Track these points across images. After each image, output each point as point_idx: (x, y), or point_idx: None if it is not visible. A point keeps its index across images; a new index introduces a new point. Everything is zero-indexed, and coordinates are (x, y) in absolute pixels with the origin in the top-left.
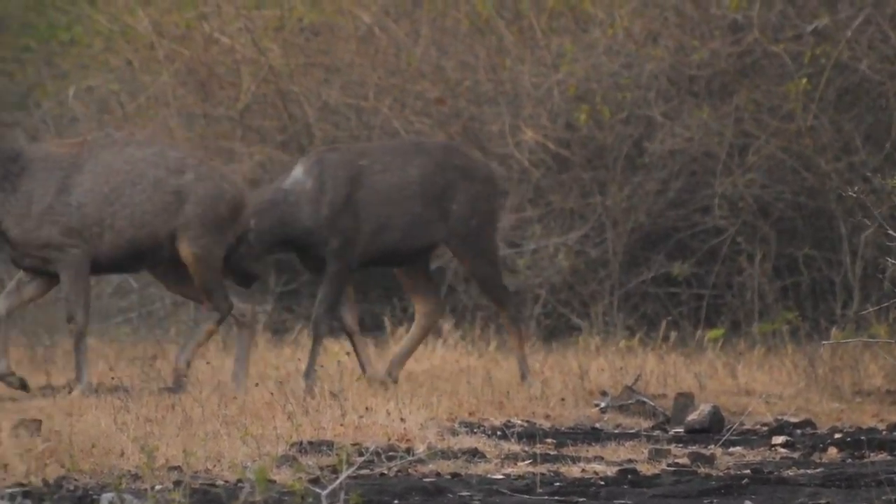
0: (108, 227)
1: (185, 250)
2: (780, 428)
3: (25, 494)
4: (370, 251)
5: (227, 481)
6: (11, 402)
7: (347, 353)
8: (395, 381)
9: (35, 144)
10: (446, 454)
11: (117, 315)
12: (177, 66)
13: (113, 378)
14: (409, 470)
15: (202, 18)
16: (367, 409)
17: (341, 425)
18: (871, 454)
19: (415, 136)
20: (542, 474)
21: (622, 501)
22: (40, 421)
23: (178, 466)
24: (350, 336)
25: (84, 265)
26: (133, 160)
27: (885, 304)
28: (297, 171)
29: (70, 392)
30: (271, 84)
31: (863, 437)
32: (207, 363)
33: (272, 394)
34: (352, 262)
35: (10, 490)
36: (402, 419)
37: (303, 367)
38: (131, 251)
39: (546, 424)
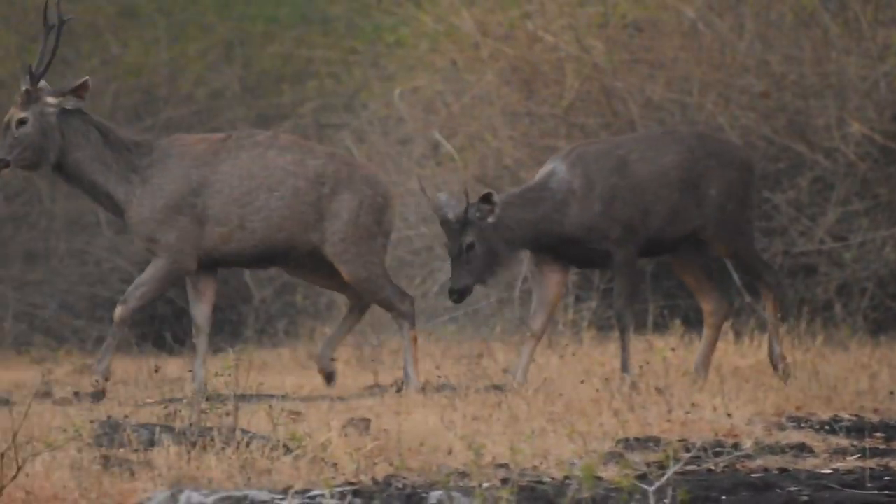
0: (238, 227)
1: (346, 274)
2: None
3: (355, 493)
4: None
5: (553, 478)
6: (341, 401)
7: (672, 349)
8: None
9: (173, 137)
10: (773, 449)
11: (443, 314)
12: (501, 65)
13: (440, 377)
14: (737, 465)
15: (526, 17)
16: (693, 405)
17: (668, 421)
18: None
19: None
20: (872, 469)
21: None
22: (369, 420)
23: (505, 464)
24: (530, 337)
25: (180, 271)
26: (273, 166)
27: None
28: (559, 169)
29: (398, 391)
30: (595, 81)
31: None
32: (534, 360)
33: (598, 390)
34: (636, 247)
35: (339, 488)
36: (728, 415)
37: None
38: (262, 252)
39: (875, 418)
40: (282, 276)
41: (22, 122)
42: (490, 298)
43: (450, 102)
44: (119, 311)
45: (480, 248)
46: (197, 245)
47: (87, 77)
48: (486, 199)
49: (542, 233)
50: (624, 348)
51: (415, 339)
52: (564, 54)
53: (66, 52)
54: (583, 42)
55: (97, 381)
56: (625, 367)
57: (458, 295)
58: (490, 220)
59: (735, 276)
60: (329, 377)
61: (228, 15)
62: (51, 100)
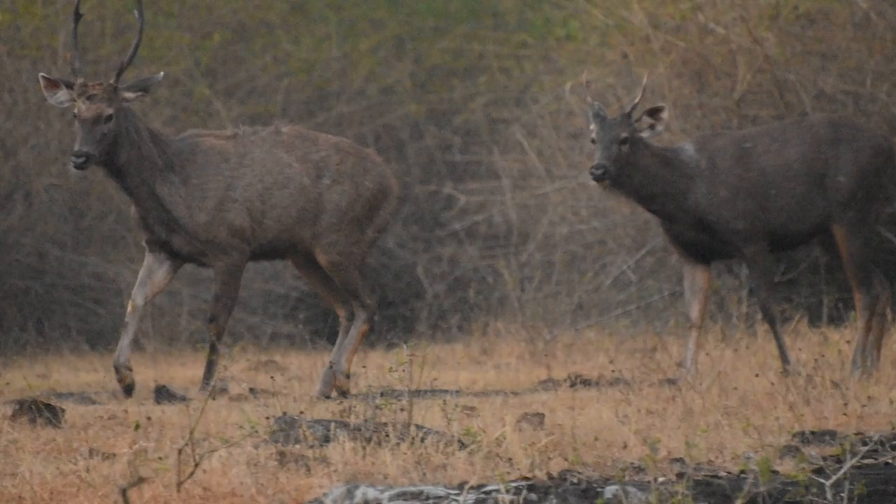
0: (258, 223)
1: (323, 258)
2: None
3: (530, 488)
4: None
5: (729, 472)
6: (514, 396)
7: (847, 342)
8: (870, 373)
9: (191, 133)
10: None
11: (616, 308)
12: (672, 57)
13: (613, 371)
14: None
15: (697, 10)
16: (869, 398)
17: (844, 415)
18: None
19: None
20: None
21: None
22: (543, 415)
23: (681, 458)
24: (690, 328)
25: (241, 267)
26: (282, 163)
27: None
28: (688, 148)
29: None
30: (767, 73)
31: None
32: (706, 354)
33: (773, 384)
34: (765, 240)
35: (514, 483)
36: None
37: (802, 356)
38: (268, 249)
39: None
40: (454, 272)
41: (109, 117)
42: (663, 292)
43: (621, 96)
44: (214, 329)
45: (627, 149)
46: (245, 238)
47: (162, 73)
48: (657, 110)
49: (668, 197)
50: (778, 339)
51: (362, 336)
52: (736, 46)
53: (237, 49)
54: (754, 34)
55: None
56: (784, 359)
57: (602, 172)
58: (645, 134)
59: None
60: (343, 394)
61: (399, 10)
62: (129, 95)
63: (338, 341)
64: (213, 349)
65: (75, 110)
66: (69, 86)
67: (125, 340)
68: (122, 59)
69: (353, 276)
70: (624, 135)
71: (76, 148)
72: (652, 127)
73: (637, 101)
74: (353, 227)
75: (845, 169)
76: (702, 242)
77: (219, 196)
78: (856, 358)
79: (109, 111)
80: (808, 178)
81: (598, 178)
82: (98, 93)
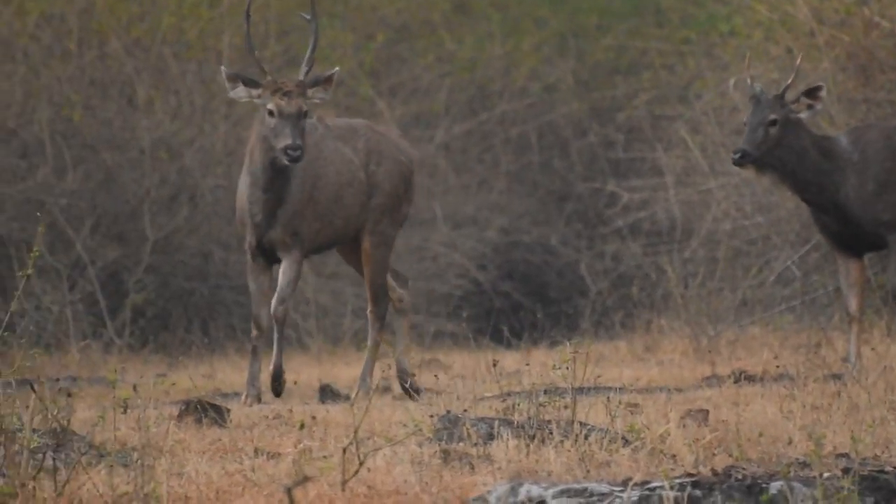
0: (328, 223)
1: (369, 243)
2: None
3: (694, 484)
4: None
5: (895, 468)
6: (678, 392)
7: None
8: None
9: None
10: None
11: (780, 303)
12: (837, 52)
13: (778, 366)
14: None
15: (863, 3)
16: None
17: None
18: None
19: None
20: None
21: None
22: (707, 411)
23: (846, 454)
24: (850, 322)
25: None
26: (342, 159)
27: None
28: (843, 140)
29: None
30: None
31: None
32: (872, 349)
33: None
34: None
35: (679, 480)
36: None
37: None
38: (332, 242)
39: None
40: (618, 269)
41: (306, 113)
42: (827, 288)
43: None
44: (282, 311)
45: (777, 131)
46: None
47: (337, 68)
48: (815, 90)
49: (819, 188)
50: None
51: (378, 347)
52: None
53: (401, 49)
54: None
55: (249, 395)
56: None
57: (741, 156)
58: (802, 115)
59: None
60: (415, 391)
61: (562, 8)
62: (310, 92)
63: (396, 340)
64: (282, 333)
65: (271, 106)
66: (250, 83)
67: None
68: (305, 57)
69: (387, 261)
70: (773, 116)
71: (290, 142)
72: (810, 107)
73: (790, 81)
74: (395, 207)
75: None
76: (850, 234)
77: (305, 194)
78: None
79: (306, 107)
80: None
81: (737, 163)
82: (293, 89)
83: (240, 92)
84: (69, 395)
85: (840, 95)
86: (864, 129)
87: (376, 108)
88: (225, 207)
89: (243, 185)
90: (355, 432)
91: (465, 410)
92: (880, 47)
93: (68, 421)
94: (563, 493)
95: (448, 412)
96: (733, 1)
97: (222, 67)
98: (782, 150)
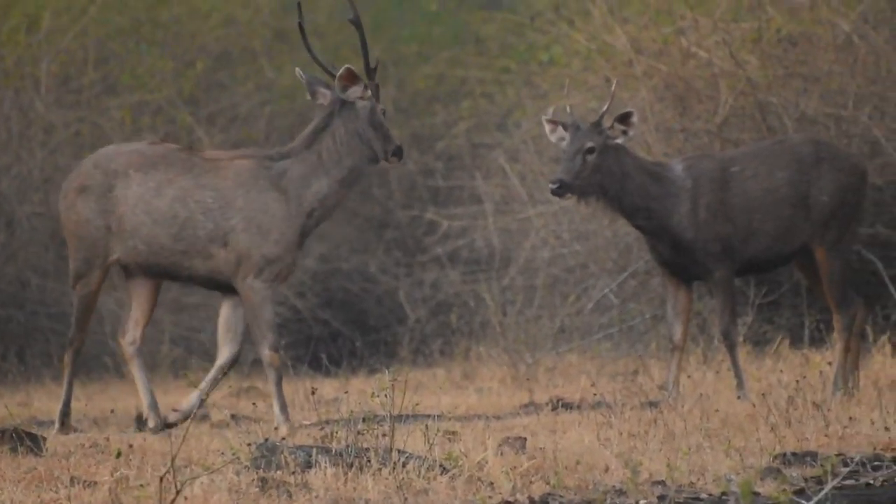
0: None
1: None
2: None
3: None
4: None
5: (710, 494)
6: (496, 420)
7: (829, 363)
8: (851, 394)
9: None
10: None
11: (598, 331)
12: (654, 81)
13: (595, 394)
14: None
15: (679, 34)
16: (850, 418)
17: (825, 436)
18: None
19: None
20: None
21: None
22: (525, 438)
23: (662, 481)
24: (673, 350)
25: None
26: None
27: None
28: (676, 167)
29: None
30: (749, 96)
31: None
32: (688, 376)
33: (754, 405)
34: (732, 268)
35: None
36: (886, 428)
37: (784, 378)
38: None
39: None
40: (436, 297)
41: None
42: (645, 315)
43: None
44: (275, 358)
45: (595, 158)
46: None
47: (348, 66)
48: (626, 116)
49: (648, 213)
50: (735, 366)
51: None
52: (718, 70)
53: (220, 76)
54: (737, 57)
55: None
56: (740, 385)
57: (558, 186)
58: (618, 140)
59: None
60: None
61: (382, 36)
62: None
63: None
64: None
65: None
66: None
67: None
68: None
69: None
70: (590, 144)
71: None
72: (624, 133)
73: (606, 108)
74: None
75: (827, 189)
76: (681, 262)
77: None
78: (836, 379)
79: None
80: (793, 201)
81: (555, 193)
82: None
83: (328, 94)
84: None
85: (657, 125)
86: (698, 157)
87: (195, 135)
88: (42, 234)
89: None
90: (172, 460)
91: (283, 438)
92: (697, 77)
93: None
94: None
95: (266, 440)
96: (552, 30)
97: (298, 70)
98: (603, 177)
